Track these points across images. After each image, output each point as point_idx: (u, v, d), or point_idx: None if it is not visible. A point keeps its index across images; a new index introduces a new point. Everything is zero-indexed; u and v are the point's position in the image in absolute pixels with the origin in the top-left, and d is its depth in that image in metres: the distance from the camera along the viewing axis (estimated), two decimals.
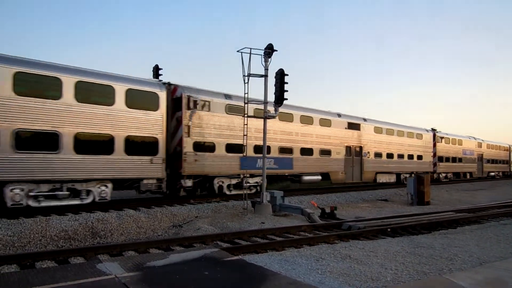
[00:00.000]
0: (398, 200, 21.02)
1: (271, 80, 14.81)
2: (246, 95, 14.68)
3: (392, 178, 27.24)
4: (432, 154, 31.45)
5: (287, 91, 14.80)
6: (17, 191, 11.49)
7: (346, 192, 20.96)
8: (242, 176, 17.15)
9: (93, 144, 12.97)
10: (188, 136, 15.58)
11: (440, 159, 32.75)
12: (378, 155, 25.51)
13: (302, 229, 11.23)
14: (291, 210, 14.14)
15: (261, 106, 15.26)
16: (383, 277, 5.80)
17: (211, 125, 16.48)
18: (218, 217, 13.15)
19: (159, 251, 8.49)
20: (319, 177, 21.04)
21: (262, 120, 14.95)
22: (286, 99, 14.87)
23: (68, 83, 12.42)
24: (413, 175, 23.41)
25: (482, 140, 40.27)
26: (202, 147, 16.11)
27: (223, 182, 17.04)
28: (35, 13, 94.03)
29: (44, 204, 12.06)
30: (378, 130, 25.77)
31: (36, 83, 11.96)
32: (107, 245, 8.85)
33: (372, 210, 16.97)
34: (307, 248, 8.15)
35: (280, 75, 14.77)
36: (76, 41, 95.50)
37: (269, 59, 14.82)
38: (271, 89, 14.81)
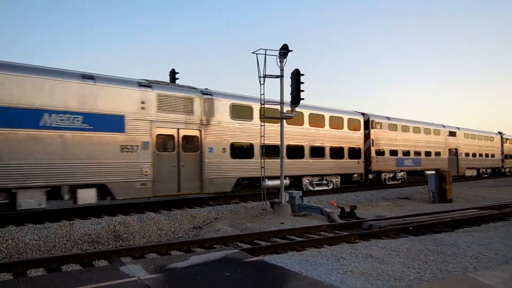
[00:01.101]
0: (419, 198, 20.68)
1: (287, 81, 14.85)
2: (262, 96, 14.69)
3: (475, 172, 35.22)
4: (500, 152, 40.00)
5: (303, 91, 14.78)
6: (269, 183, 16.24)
7: (366, 191, 20.73)
8: (396, 171, 25.62)
9: (329, 152, 20.54)
10: (373, 146, 23.44)
11: (506, 156, 41.54)
12: (467, 154, 33.58)
13: (322, 229, 11.17)
14: (310, 210, 14.08)
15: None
16: (406, 276, 5.73)
17: (383, 138, 24.44)
18: (237, 218, 13.21)
19: (180, 253, 8.59)
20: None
21: (389, 131, 22.81)
22: (303, 99, 14.84)
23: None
24: (489, 169, 37.19)
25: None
26: (379, 153, 23.91)
27: (386, 176, 24.79)
28: (43, 14, 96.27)
29: (316, 188, 19.98)
30: (466, 136, 33.95)
31: (240, 111, 16.66)
32: (129, 248, 9.01)
33: (393, 209, 16.74)
34: (328, 248, 8.11)
35: (296, 75, 14.75)
36: (84, 43, 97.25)
37: (284, 60, 14.81)
38: (287, 90, 14.84)
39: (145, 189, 13.48)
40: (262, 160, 14.57)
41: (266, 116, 14.87)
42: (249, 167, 16.51)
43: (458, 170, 31.37)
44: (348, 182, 22.36)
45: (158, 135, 14.11)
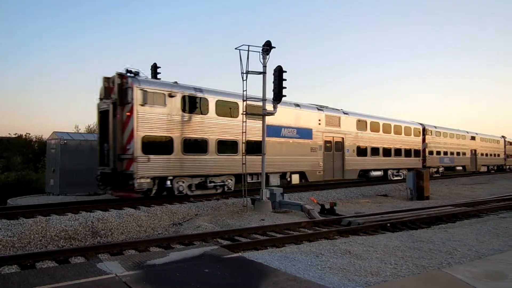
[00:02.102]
0: (398, 195, 21.06)
1: (270, 77, 14.85)
2: (244, 92, 14.67)
3: (485, 168, 43.22)
4: (503, 152, 48.63)
5: (285, 87, 14.80)
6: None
7: (346, 188, 20.98)
8: (439, 167, 33.25)
9: (404, 152, 28.06)
10: (427, 148, 31.16)
11: (507, 156, 49.41)
12: (482, 154, 41.66)
13: (302, 226, 11.25)
14: (291, 206, 14.16)
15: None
16: (382, 271, 5.83)
17: (432, 142, 32.21)
18: (217, 214, 13.18)
19: (159, 249, 8.51)
20: (461, 167, 37.06)
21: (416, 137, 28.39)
22: (285, 95, 14.86)
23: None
24: (495, 166, 46.33)
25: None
26: (430, 153, 31.78)
27: (432, 170, 30.70)
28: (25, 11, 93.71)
29: (395, 178, 27.07)
30: (482, 139, 42.22)
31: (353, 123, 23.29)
32: (107, 244, 8.87)
33: (372, 206, 17.01)
34: (307, 244, 8.18)
35: (279, 72, 14.76)
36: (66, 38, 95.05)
37: (267, 56, 14.81)
38: (270, 86, 14.86)
39: (320, 175, 20.79)
40: (243, 157, 14.63)
41: (249, 113, 14.99)
42: (365, 162, 24.39)
43: (476, 166, 40.12)
44: None
45: (325, 141, 21.32)
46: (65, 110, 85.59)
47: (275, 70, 14.88)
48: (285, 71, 14.80)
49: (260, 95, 14.92)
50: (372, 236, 9.42)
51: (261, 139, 15.34)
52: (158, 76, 21.33)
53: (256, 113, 15.34)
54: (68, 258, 7.78)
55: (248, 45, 14.28)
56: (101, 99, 14.57)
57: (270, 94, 14.90)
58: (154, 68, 21.56)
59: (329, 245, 7.72)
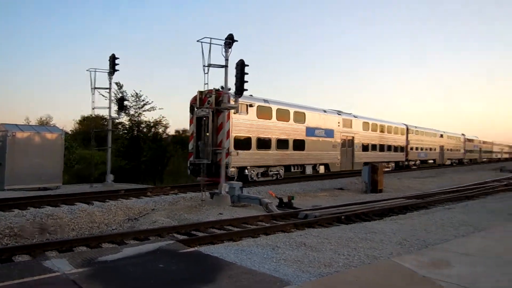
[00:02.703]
0: (354, 188, 21.69)
1: (232, 71, 14.79)
2: (206, 85, 14.52)
3: (449, 162, 49.62)
4: (463, 148, 55.77)
5: (247, 81, 14.79)
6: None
7: (305, 182, 21.33)
8: (416, 160, 39.79)
9: (393, 148, 34.29)
10: (409, 144, 37.17)
11: (466, 151, 57.50)
12: (447, 149, 48.73)
13: (259, 219, 11.32)
14: (250, 200, 14.21)
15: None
16: (335, 263, 5.97)
17: (412, 139, 38.23)
18: (175, 209, 12.97)
19: (112, 246, 8.24)
20: (432, 161, 44.76)
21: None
22: (246, 89, 14.86)
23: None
24: (456, 160, 53.16)
25: (354, 117, 40.32)
26: (411, 148, 37.89)
27: (411, 163, 38.58)
28: None
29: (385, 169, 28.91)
30: (447, 137, 48.91)
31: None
32: (55, 241, 8.49)
33: (329, 199, 17.42)
34: (264, 238, 8.22)
35: (241, 66, 14.70)
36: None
37: (230, 50, 14.73)
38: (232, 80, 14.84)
39: (338, 167, 26.07)
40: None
41: (209, 107, 14.89)
42: (367, 156, 29.43)
43: (443, 160, 46.89)
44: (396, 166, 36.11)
45: (342, 139, 26.73)
46: (15, 102, 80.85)
47: (237, 64, 14.80)
48: (247, 65, 14.76)
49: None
50: (327, 228, 9.65)
51: (300, 138, 22.86)
52: (116, 67, 20.67)
53: (227, 106, 15.10)
54: (12, 257, 7.35)
55: (210, 38, 14.13)
56: (196, 108, 17.73)
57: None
58: (113, 59, 20.84)
59: (285, 237, 7.80)
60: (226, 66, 14.59)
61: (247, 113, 19.40)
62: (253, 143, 19.67)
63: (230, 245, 7.27)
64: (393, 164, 34.75)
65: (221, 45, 14.36)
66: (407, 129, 37.39)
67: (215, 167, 17.09)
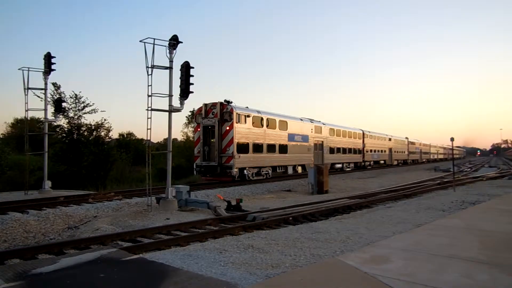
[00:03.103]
0: (301, 190, 22.19)
1: (177, 73, 14.52)
2: (149, 87, 14.09)
3: (396, 162, 55.22)
4: (407, 150, 62.29)
5: (192, 84, 14.62)
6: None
7: (252, 184, 21.48)
8: (371, 161, 45.06)
9: (352, 151, 39.06)
10: (365, 147, 42.44)
11: (409, 153, 63.70)
12: (395, 151, 54.56)
13: (208, 223, 11.21)
14: (197, 204, 14.03)
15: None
16: (282, 263, 6.03)
17: (368, 143, 43.27)
18: (119, 215, 12.48)
19: (49, 256, 7.73)
20: (383, 162, 50.01)
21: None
22: (192, 92, 14.67)
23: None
24: (402, 160, 59.21)
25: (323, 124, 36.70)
26: (367, 151, 42.75)
27: (367, 163, 43.60)
28: None
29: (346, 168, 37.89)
30: (395, 141, 54.94)
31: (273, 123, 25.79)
32: None
33: (277, 201, 17.66)
34: (212, 241, 8.14)
35: (186, 68, 14.51)
36: None
37: (174, 51, 14.48)
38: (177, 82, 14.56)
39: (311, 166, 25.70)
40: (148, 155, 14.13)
41: (154, 109, 14.44)
42: (333, 158, 34.70)
43: (391, 160, 52.71)
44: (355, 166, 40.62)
45: (314, 143, 30.83)
46: None
47: (182, 66, 14.60)
48: (193, 67, 14.62)
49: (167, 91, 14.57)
50: (275, 230, 9.75)
51: (284, 143, 26.61)
52: (53, 67, 19.59)
53: (172, 109, 14.72)
54: None
55: (154, 38, 13.79)
56: (203, 118, 21.99)
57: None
58: (48, 58, 19.68)
59: (234, 240, 7.77)
60: (170, 68, 14.31)
61: (245, 122, 22.80)
62: (250, 148, 22.99)
63: (177, 251, 7.11)
64: (352, 165, 39.66)
65: (165, 46, 14.07)
66: (363, 134, 42.59)
67: (220, 168, 21.27)
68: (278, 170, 26.12)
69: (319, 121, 32.82)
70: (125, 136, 56.42)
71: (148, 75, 13.90)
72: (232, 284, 5.00)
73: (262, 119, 24.54)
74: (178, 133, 48.67)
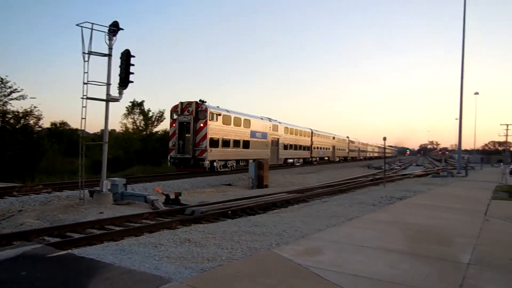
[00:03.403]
0: (241, 184, 22.35)
1: (117, 61, 13.94)
2: (85, 74, 13.33)
3: (338, 159, 59.92)
4: (347, 148, 67.95)
5: (133, 73, 14.11)
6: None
7: (192, 178, 21.24)
8: (317, 157, 49.79)
9: (302, 147, 43.18)
10: (313, 144, 47.17)
11: (350, 150, 69.72)
12: (337, 149, 60.12)
13: (144, 217, 10.90)
14: (134, 198, 13.60)
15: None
16: (218, 257, 6.03)
17: (315, 141, 48.00)
18: (48, 209, 11.71)
19: None
20: (327, 158, 54.06)
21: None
22: (132, 81, 14.14)
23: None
24: (342, 157, 63.79)
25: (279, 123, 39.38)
26: (314, 148, 47.55)
27: (313, 159, 48.20)
28: None
29: (296, 163, 42.01)
30: (337, 139, 60.27)
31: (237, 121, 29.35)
32: None
33: (217, 195, 17.62)
34: (147, 236, 7.92)
35: (126, 56, 13.97)
36: None
37: (114, 38, 13.87)
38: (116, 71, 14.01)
39: (269, 161, 26.94)
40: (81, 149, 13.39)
41: (90, 97, 13.71)
42: (287, 153, 38.17)
43: (334, 157, 57.26)
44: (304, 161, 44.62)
45: (271, 140, 33.80)
46: None
47: (122, 54, 14.03)
48: (134, 56, 14.10)
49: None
50: (213, 223, 9.73)
51: (247, 139, 29.87)
52: None
53: (110, 98, 14.02)
54: None
55: (92, 23, 13.07)
56: (178, 114, 24.50)
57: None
58: None
59: (170, 234, 7.62)
60: (109, 55, 13.67)
61: (217, 120, 25.55)
62: (220, 143, 25.80)
63: (110, 246, 6.83)
64: (302, 160, 43.60)
65: (105, 32, 13.41)
66: (312, 132, 46.98)
67: (194, 160, 23.85)
68: (240, 163, 28.83)
69: (276, 120, 36.24)
70: (58, 125, 53.05)
71: (84, 61, 13.17)
72: (166, 278, 4.90)
73: (230, 117, 27.51)
74: (117, 124, 46.84)
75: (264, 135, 32.84)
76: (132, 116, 44.57)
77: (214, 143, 24.86)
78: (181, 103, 24.45)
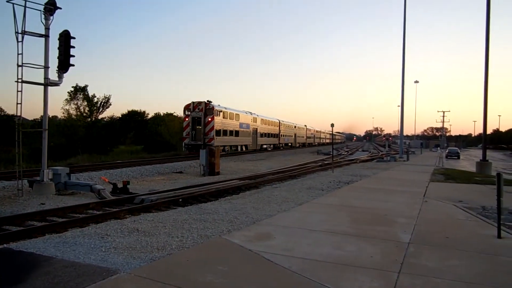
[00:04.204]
0: (192, 171, 22.10)
1: (55, 43, 13.09)
2: (20, 56, 12.39)
3: (298, 144, 69.46)
4: (305, 135, 76.88)
5: (73, 56, 13.32)
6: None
7: (142, 166, 20.68)
8: (283, 143, 59.50)
9: (271, 135, 53.06)
10: (280, 132, 57.41)
11: (308, 137, 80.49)
12: (298, 136, 68.80)
13: (90, 207, 10.46)
14: (79, 187, 12.99)
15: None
16: (168, 245, 5.92)
17: (282, 129, 58.22)
18: None
19: None
20: (290, 144, 63.55)
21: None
22: (73, 65, 13.36)
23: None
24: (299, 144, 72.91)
25: (257, 115, 50.33)
26: (281, 136, 57.60)
27: (281, 145, 58.41)
28: None
29: (269, 149, 52.25)
30: (298, 127, 69.23)
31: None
32: None
33: (167, 183, 17.30)
34: (93, 227, 7.59)
35: (65, 37, 13.16)
36: None
37: (51, 17, 12.97)
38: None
39: (250, 147, 42.66)
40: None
41: (25, 81, 12.79)
42: (263, 141, 48.13)
43: (296, 143, 66.61)
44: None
45: (252, 129, 43.52)
46: None
47: (60, 35, 13.19)
48: (74, 38, 13.29)
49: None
50: (163, 212, 9.53)
51: (237, 129, 38.43)
52: None
53: (49, 82, 13.12)
54: None
55: (25, 0, 12.10)
56: (190, 111, 32.07)
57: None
58: None
59: (118, 225, 7.36)
60: (46, 36, 12.80)
61: (219, 116, 33.73)
62: (221, 133, 33.99)
63: (51, 238, 6.46)
64: (272, 146, 52.15)
65: (41, 10, 12.51)
66: (279, 123, 56.40)
67: (204, 146, 29.01)
68: (231, 148, 37.28)
69: (254, 113, 45.61)
70: None
71: (18, 41, 12.23)
72: (113, 270, 4.73)
73: (227, 113, 36.19)
74: (59, 110, 44.31)
75: (247, 126, 41.93)
76: (76, 102, 42.30)
77: (217, 133, 32.96)
78: (193, 102, 32.23)
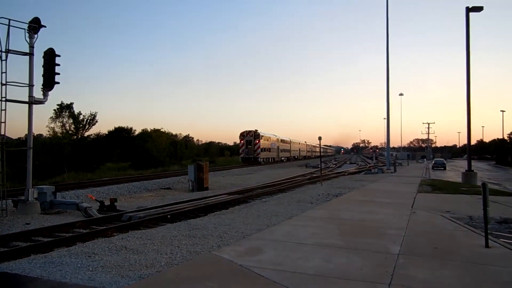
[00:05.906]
0: (181, 187, 21.94)
1: (40, 60, 13.04)
2: (3, 74, 12.29)
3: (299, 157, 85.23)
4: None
5: (58, 73, 13.25)
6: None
7: (129, 183, 20.46)
8: (272, 157, 62.55)
9: (285, 150, 71.51)
10: (291, 148, 78.98)
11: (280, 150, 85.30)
12: (295, 151, 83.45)
13: (76, 226, 10.28)
14: (65, 206, 12.77)
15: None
16: (157, 262, 5.85)
17: (283, 145, 71.13)
18: None
19: None
20: (285, 158, 73.63)
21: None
22: (58, 82, 13.30)
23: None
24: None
25: (278, 137, 67.55)
26: (281, 150, 69.14)
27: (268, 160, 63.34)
28: None
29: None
30: (294, 143, 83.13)
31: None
32: None
33: (155, 199, 17.13)
34: (80, 246, 7.45)
35: (50, 55, 13.12)
36: None
37: (35, 36, 12.97)
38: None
39: (276, 159, 63.56)
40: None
41: (9, 99, 12.65)
42: (282, 155, 66.45)
43: (290, 156, 73.22)
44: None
45: (277, 147, 63.37)
46: None
47: (45, 53, 13.16)
48: (59, 55, 13.25)
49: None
50: (151, 229, 9.41)
51: (269, 147, 58.65)
52: None
53: (34, 101, 12.99)
54: None
55: (9, 19, 12.09)
56: (244, 136, 51.85)
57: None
58: None
59: (105, 243, 7.25)
60: (31, 54, 12.76)
61: (263, 139, 51.82)
62: (264, 150, 51.65)
63: (37, 258, 6.32)
64: (285, 158, 66.60)
65: (25, 29, 12.50)
66: (290, 140, 73.07)
67: (253, 158, 50.15)
68: (270, 160, 54.98)
69: (275, 135, 61.57)
70: None
71: (1, 60, 12.18)
72: None
73: (265, 137, 53.55)
74: (44, 129, 43.62)
75: (274, 144, 59.07)
76: (61, 120, 41.75)
77: (262, 150, 51.15)
78: (245, 131, 51.32)
